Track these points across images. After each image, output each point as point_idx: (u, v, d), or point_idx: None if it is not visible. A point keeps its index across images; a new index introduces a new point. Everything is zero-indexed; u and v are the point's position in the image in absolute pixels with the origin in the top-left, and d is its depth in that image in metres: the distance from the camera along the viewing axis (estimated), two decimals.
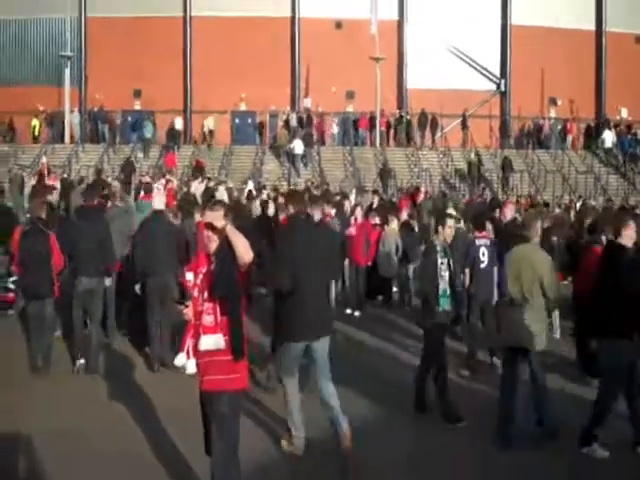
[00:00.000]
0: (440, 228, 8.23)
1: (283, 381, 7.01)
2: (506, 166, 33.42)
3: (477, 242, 10.20)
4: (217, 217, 5.29)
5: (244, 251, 5.14)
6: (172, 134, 36.30)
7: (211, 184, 24.74)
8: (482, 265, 10.05)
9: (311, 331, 6.77)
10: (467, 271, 10.07)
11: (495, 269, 9.78)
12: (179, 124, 36.86)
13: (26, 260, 9.32)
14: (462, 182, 33.88)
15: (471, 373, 9.75)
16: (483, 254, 10.09)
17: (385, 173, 32.88)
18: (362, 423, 7.35)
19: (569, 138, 38.56)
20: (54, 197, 14.36)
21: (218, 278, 5.25)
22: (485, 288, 10.02)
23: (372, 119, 36.75)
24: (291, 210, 7.35)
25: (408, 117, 37.60)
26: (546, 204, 24.17)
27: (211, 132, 36.98)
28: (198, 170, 31.48)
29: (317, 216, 7.66)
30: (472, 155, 34.53)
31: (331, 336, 7.06)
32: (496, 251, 9.94)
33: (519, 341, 7.38)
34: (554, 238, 11.78)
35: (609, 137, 36.92)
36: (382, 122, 37.18)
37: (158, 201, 10.53)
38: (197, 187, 24.24)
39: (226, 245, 5.21)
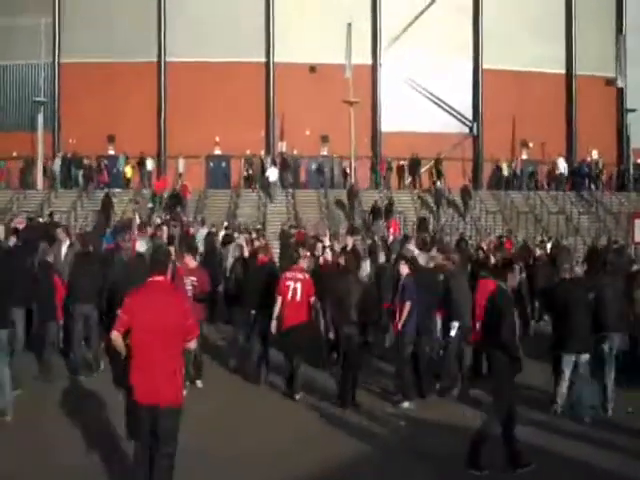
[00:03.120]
0: None
1: None
2: (465, 194, 34.61)
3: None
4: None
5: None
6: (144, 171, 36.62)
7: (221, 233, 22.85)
8: None
9: None
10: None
11: None
12: (150, 165, 36.71)
13: (37, 293, 11.30)
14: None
15: None
16: None
17: (352, 194, 33.66)
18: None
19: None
20: None
21: None
22: None
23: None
24: None
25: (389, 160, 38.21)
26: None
27: (180, 175, 36.73)
28: (178, 200, 32.10)
29: None
30: (438, 183, 35.73)
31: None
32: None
33: None
34: None
35: (562, 164, 38.53)
36: (382, 167, 38.01)
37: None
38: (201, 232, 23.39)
39: None
